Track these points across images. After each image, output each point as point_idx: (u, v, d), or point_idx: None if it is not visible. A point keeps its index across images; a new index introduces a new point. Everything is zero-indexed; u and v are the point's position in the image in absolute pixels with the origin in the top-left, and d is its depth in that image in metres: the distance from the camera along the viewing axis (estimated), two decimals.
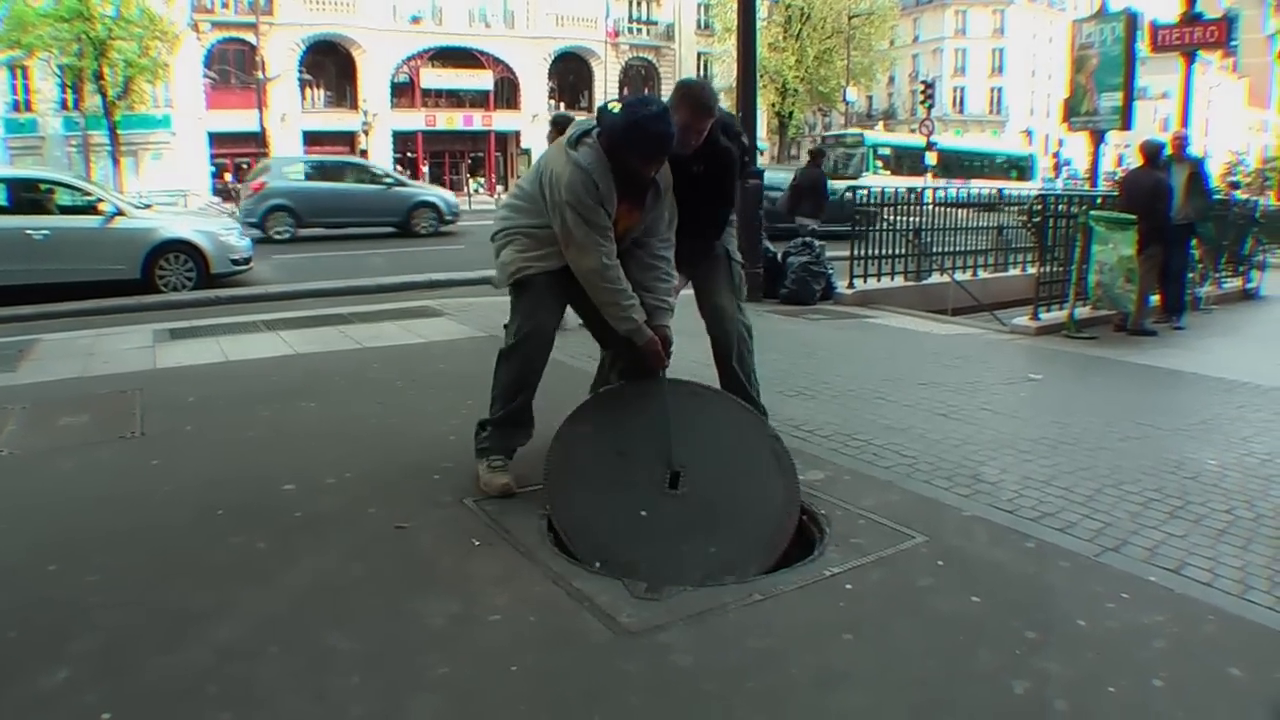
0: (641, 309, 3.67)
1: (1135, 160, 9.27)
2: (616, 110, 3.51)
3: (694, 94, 3.92)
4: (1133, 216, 8.30)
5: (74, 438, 4.61)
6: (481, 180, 45.52)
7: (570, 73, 50.35)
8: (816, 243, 10.12)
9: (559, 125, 5.86)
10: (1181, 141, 9.76)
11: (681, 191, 3.94)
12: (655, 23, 52.41)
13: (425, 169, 45.29)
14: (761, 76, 43.32)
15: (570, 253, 3.58)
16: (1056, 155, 55.08)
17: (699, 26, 52.73)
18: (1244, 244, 12.50)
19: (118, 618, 2.75)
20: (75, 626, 2.69)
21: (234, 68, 40.71)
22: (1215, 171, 18.71)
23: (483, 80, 47.00)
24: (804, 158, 33.67)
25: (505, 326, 3.91)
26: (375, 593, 2.91)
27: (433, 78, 45.84)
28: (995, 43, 66.85)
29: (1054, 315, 8.88)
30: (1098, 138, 16.81)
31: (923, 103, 37.57)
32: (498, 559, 3.15)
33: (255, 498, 3.71)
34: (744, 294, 4.42)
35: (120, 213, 11.08)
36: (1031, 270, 11.33)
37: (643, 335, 3.70)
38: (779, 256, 10.05)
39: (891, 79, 61.54)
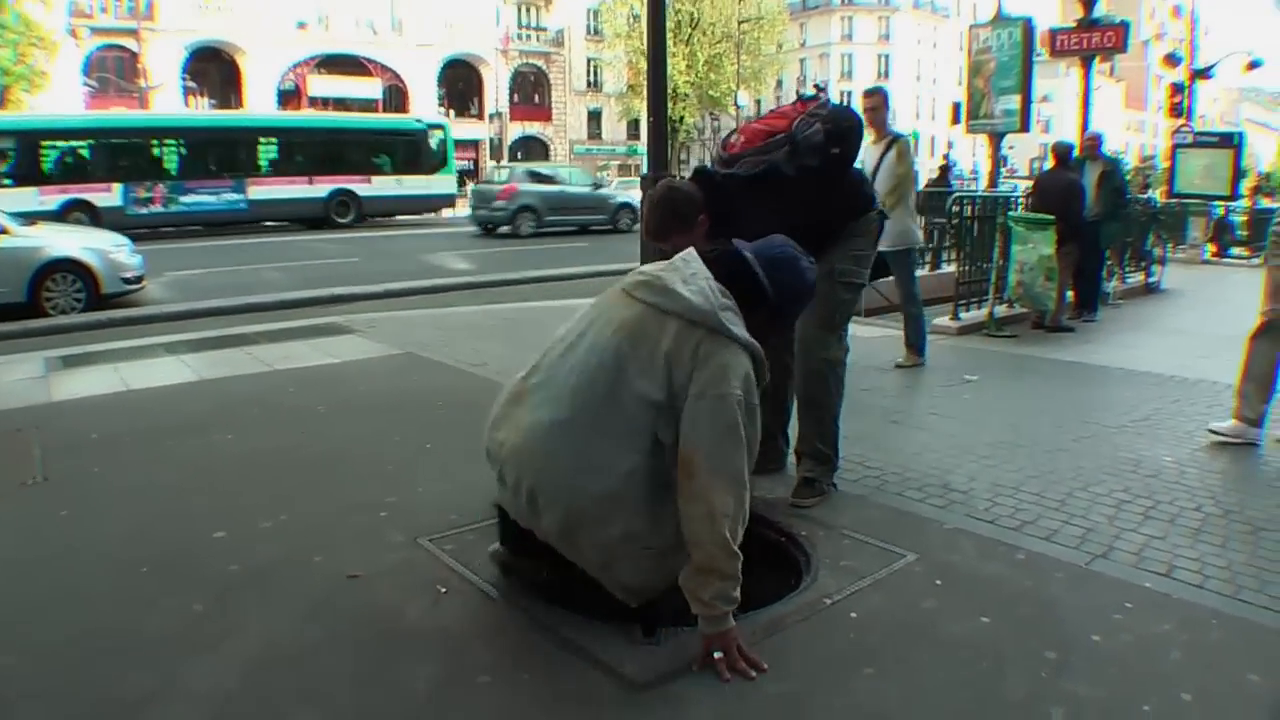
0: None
1: (1021, 163, 9.37)
2: (772, 259, 2.70)
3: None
4: (1051, 217, 8.39)
5: None
6: None
7: (460, 80, 49.99)
8: None
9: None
10: (1095, 142, 9.97)
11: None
12: (545, 29, 52.24)
13: None
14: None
15: (699, 481, 2.36)
16: (946, 157, 56.29)
17: (589, 32, 52.79)
18: (1146, 239, 12.84)
19: (46, 712, 2.32)
20: None
21: (114, 75, 39.09)
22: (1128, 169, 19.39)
23: (371, 88, 46.29)
24: (694, 163, 32.52)
25: None
26: (341, 658, 2.54)
27: (320, 85, 44.99)
28: (881, 48, 68.47)
29: (972, 315, 8.89)
30: (996, 140, 17.21)
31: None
32: (470, 606, 2.83)
33: (182, 549, 3.27)
34: (835, 322, 3.89)
35: (3, 230, 10.27)
36: (945, 269, 11.48)
37: (726, 622, 2.43)
38: None
39: (779, 83, 62.36)
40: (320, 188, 25.58)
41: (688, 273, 2.56)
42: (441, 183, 28.52)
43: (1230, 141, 19.38)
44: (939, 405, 5.64)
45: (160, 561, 3.16)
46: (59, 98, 36.11)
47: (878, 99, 6.84)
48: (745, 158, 3.54)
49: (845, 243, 3.80)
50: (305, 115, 35.67)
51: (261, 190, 24.69)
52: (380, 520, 3.52)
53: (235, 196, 24.36)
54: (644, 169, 9.54)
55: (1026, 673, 2.49)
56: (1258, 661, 2.59)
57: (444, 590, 2.91)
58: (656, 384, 2.43)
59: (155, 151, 23.93)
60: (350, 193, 26.17)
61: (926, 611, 2.84)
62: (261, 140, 25.60)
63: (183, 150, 24.26)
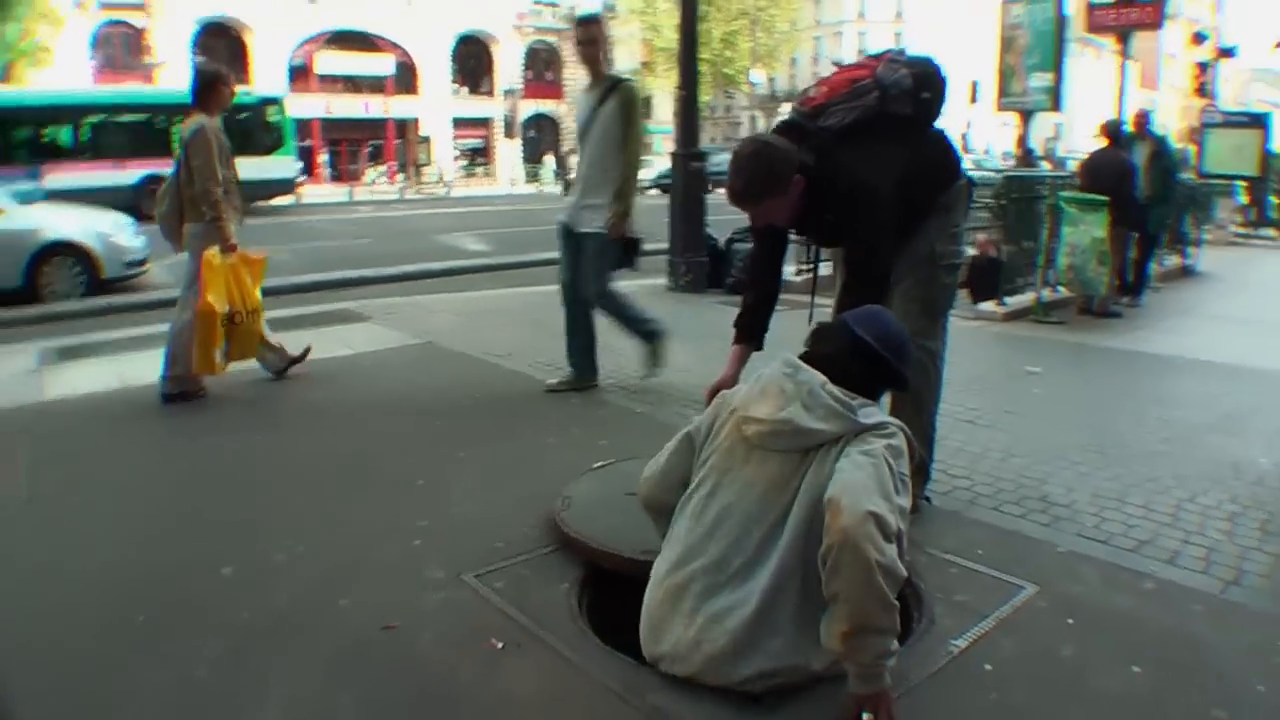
0: None
1: (1035, 143, 8.90)
2: (890, 340, 2.41)
3: None
4: (1104, 198, 8.01)
5: None
6: (382, 168, 43.96)
7: (471, 57, 49.23)
8: None
9: None
10: (1144, 119, 9.47)
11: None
12: (558, 4, 51.42)
13: (323, 157, 43.63)
14: (666, 58, 42.85)
15: (844, 522, 1.96)
16: (964, 136, 55.72)
17: (603, 9, 52.08)
18: (1183, 221, 12.42)
19: None
20: None
21: (121, 51, 38.39)
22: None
23: (382, 64, 45.48)
24: (705, 141, 30.97)
25: None
26: None
27: (328, 62, 44.05)
28: (896, 26, 67.53)
29: (1017, 299, 8.44)
30: (1026, 118, 16.77)
31: None
32: (533, 667, 2.34)
33: (185, 589, 2.78)
34: (939, 308, 3.46)
35: None
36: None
37: (882, 680, 2.04)
38: (721, 244, 9.44)
39: (793, 61, 61.68)
40: (130, 173, 21.93)
41: (804, 394, 2.23)
42: (278, 165, 24.42)
43: (1260, 122, 19.12)
44: (1010, 402, 5.21)
45: (158, 605, 2.69)
46: (65, 74, 35.38)
47: (595, 29, 5.17)
48: (832, 108, 3.08)
49: (939, 218, 3.35)
50: (111, 90, 30.84)
51: (61, 178, 20.42)
52: (414, 550, 3.06)
53: (29, 186, 19.52)
54: (656, 146, 9.13)
55: None
56: None
57: (500, 645, 2.44)
58: None
59: None
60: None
61: (1068, 661, 2.43)
62: (60, 119, 22.28)
63: None
